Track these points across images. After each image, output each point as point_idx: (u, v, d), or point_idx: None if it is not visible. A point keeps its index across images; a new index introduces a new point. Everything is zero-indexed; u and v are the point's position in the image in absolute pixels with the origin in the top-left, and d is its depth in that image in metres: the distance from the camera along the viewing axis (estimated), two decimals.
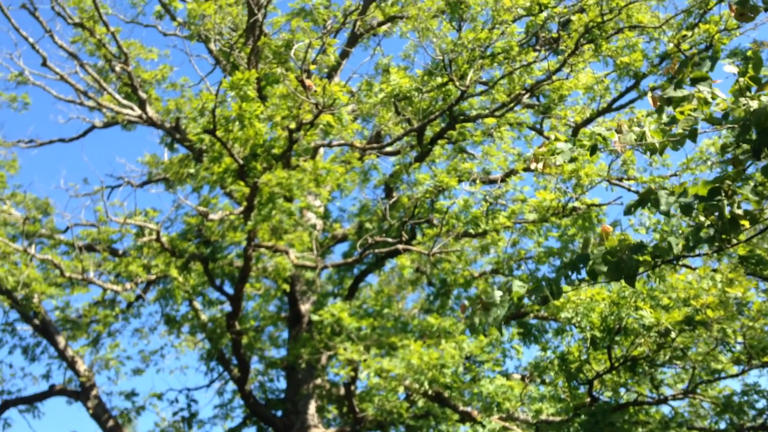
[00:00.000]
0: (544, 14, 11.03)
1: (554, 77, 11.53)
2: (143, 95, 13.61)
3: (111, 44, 13.79)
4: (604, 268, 4.79)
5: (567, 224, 11.79)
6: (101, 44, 13.72)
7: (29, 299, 12.70)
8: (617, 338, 10.02)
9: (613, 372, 10.65)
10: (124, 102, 13.71)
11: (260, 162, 11.12)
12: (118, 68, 13.93)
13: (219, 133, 10.56)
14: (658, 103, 4.85)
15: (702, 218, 4.34)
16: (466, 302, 5.19)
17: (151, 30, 16.00)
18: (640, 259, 4.64)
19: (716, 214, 4.23)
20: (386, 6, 13.91)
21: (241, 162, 10.92)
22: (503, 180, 12.59)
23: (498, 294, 4.96)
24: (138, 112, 13.54)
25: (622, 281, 4.84)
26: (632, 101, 12.28)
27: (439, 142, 13.04)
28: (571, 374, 10.67)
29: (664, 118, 4.80)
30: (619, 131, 4.91)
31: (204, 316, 14.32)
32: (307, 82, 10.53)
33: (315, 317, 12.49)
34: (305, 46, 11.36)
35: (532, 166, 5.19)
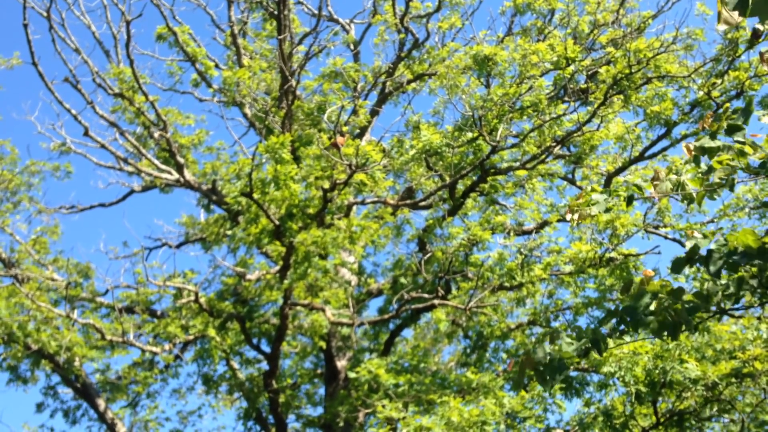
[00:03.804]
0: (572, 68, 11.17)
1: (584, 128, 11.60)
2: (181, 160, 13.99)
3: (149, 112, 14.27)
4: (653, 323, 4.72)
5: (604, 275, 11.67)
6: (140, 112, 14.21)
7: (71, 363, 12.87)
8: (663, 392, 9.79)
9: (660, 427, 10.37)
10: (162, 166, 14.10)
11: (296, 222, 11.29)
12: (156, 134, 14.38)
13: (255, 195, 10.78)
14: (694, 153, 4.87)
15: (745, 272, 4.30)
16: (505, 355, 5.13)
17: (187, 96, 16.54)
18: (688, 316, 4.58)
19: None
20: (414, 65, 14.22)
21: (277, 222, 11.10)
22: (537, 231, 12.57)
23: (545, 353, 4.86)
24: (176, 176, 13.90)
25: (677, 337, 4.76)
26: (665, 149, 12.26)
27: (471, 195, 13.12)
28: (615, 430, 10.41)
29: (701, 167, 4.81)
30: (656, 179, 4.92)
31: (241, 375, 14.34)
32: (339, 140, 10.75)
33: (352, 374, 12.43)
34: (337, 109, 11.63)
35: (568, 217, 5.21)
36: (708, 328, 9.20)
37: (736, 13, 3.73)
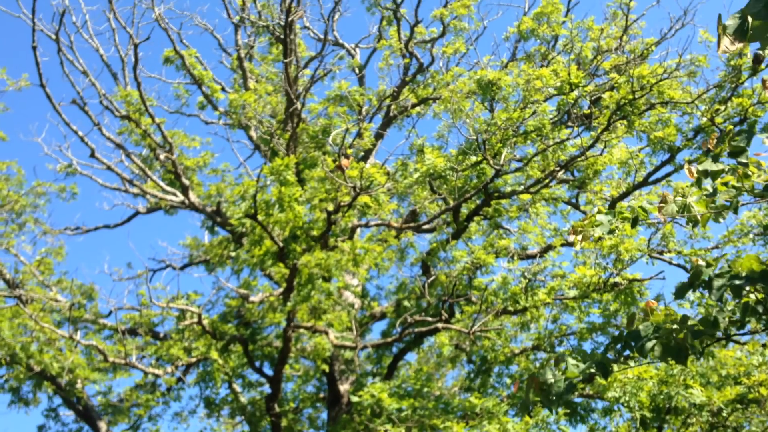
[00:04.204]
0: (575, 93, 11.25)
1: (588, 153, 11.64)
2: (186, 181, 14.06)
3: (156, 134, 14.38)
4: (658, 347, 4.71)
5: (608, 299, 11.63)
6: (146, 134, 14.32)
7: (73, 385, 12.82)
8: (668, 418, 9.71)
9: None
10: (168, 188, 14.17)
11: (299, 244, 11.31)
12: (162, 156, 14.47)
13: (260, 217, 10.82)
14: (696, 176, 4.89)
15: (751, 296, 4.30)
16: (509, 380, 5.11)
17: (194, 119, 16.71)
18: (693, 342, 4.57)
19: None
20: (419, 89, 14.33)
21: (281, 244, 11.12)
22: (541, 255, 12.56)
23: (551, 374, 4.86)
24: (181, 197, 13.96)
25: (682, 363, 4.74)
26: (668, 174, 12.29)
27: (475, 218, 13.14)
28: None
29: (705, 190, 4.82)
30: (664, 202, 4.93)
31: (243, 399, 14.26)
32: (344, 162, 10.81)
33: (354, 398, 12.36)
34: (342, 132, 11.71)
35: (571, 238, 5.21)
36: (713, 353, 9.14)
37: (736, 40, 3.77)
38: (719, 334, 4.92)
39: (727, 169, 4.51)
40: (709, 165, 4.47)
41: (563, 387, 4.51)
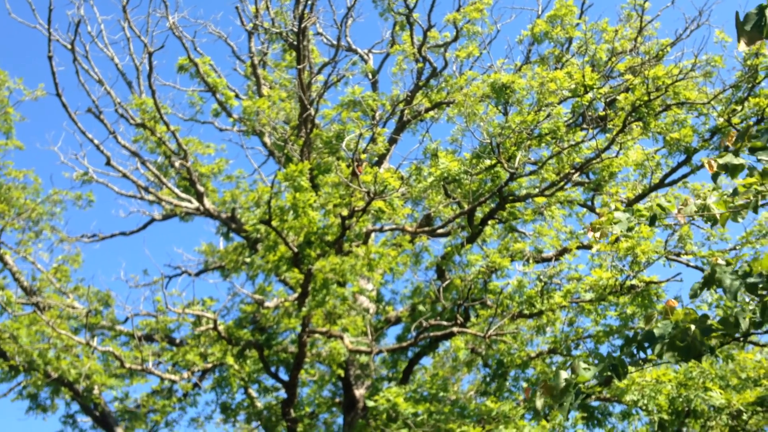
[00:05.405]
0: (590, 95, 11.19)
1: (603, 155, 11.57)
2: (201, 188, 14.13)
3: (171, 141, 14.47)
4: (672, 348, 4.66)
5: (625, 302, 11.53)
6: (161, 142, 14.41)
7: (90, 391, 12.89)
8: (687, 421, 9.60)
9: None
10: (183, 195, 14.25)
11: (314, 249, 11.32)
12: (177, 164, 14.56)
13: (274, 223, 10.84)
14: (715, 170, 4.83)
15: None
16: (525, 384, 5.08)
17: (208, 126, 16.79)
18: (708, 340, 4.52)
19: None
20: (432, 93, 14.33)
21: (296, 250, 11.13)
22: (557, 258, 12.48)
23: (562, 377, 4.83)
24: (196, 204, 14.03)
25: (690, 361, 4.70)
26: (685, 176, 12.18)
27: (490, 222, 13.09)
28: None
29: (723, 192, 4.77)
30: (684, 204, 4.87)
31: (259, 404, 14.27)
32: (358, 167, 10.83)
33: (370, 403, 12.32)
34: (356, 137, 11.72)
35: (589, 235, 5.16)
36: (732, 356, 9.04)
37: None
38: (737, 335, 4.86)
39: (749, 168, 4.46)
40: (729, 159, 4.42)
41: (573, 392, 4.47)
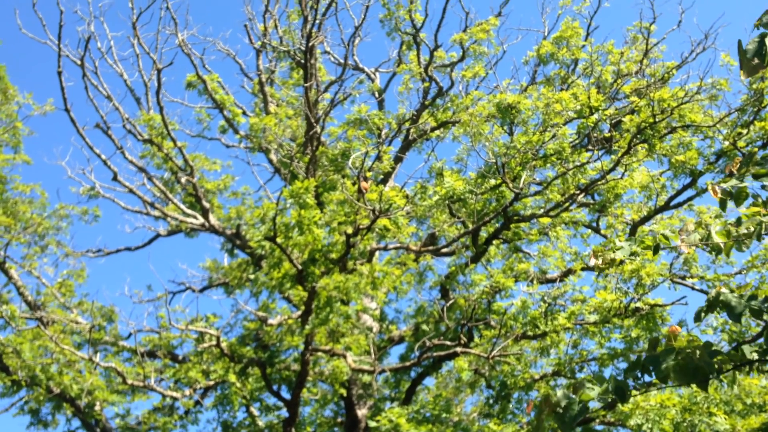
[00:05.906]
0: (595, 116, 11.20)
1: (608, 177, 11.56)
2: (206, 204, 14.17)
3: (177, 157, 14.54)
4: (676, 371, 4.62)
5: (630, 325, 11.46)
6: (168, 158, 14.48)
7: (92, 407, 12.85)
8: None
9: None
10: (188, 211, 14.29)
11: (318, 266, 11.31)
12: (183, 180, 14.61)
13: (279, 240, 10.84)
14: (720, 197, 4.82)
15: None
16: (527, 402, 5.03)
17: (215, 142, 16.86)
18: (714, 361, 4.49)
19: None
20: (438, 112, 14.37)
21: (300, 267, 11.13)
22: (561, 279, 12.44)
23: (565, 396, 4.78)
24: (201, 220, 14.06)
25: (694, 386, 4.66)
26: (690, 198, 12.15)
27: (494, 242, 13.06)
28: None
29: (729, 213, 4.75)
30: (684, 230, 4.86)
31: (261, 423, 14.19)
32: (363, 185, 10.83)
33: (372, 423, 12.24)
34: (362, 155, 11.75)
35: (591, 262, 5.15)
36: (737, 380, 8.96)
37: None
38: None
39: (753, 196, 4.45)
40: (733, 184, 4.41)
41: (577, 410, 4.43)
